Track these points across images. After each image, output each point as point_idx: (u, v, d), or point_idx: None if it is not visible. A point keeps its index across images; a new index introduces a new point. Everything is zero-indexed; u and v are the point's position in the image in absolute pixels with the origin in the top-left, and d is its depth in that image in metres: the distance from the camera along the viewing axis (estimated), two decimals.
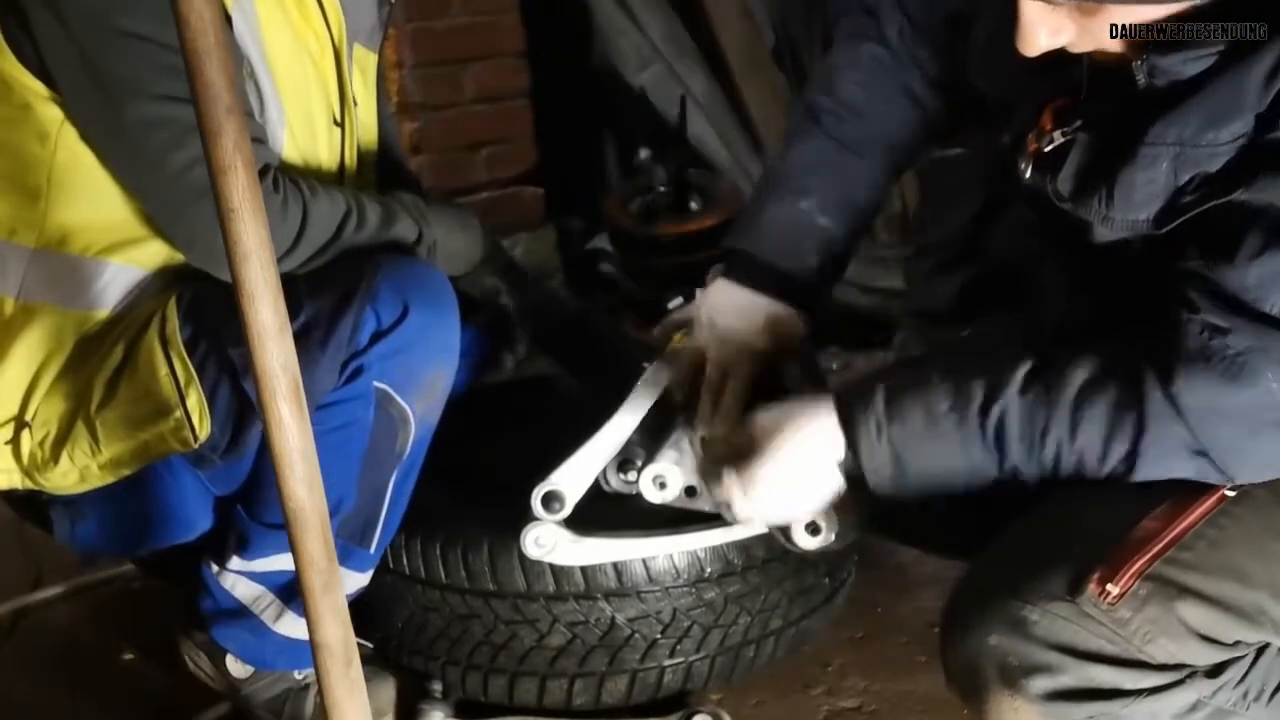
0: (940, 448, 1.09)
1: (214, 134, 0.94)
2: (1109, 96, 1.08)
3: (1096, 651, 1.01)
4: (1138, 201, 1.05)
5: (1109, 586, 1.01)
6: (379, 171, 1.66)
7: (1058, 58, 1.07)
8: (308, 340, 1.30)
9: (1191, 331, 1.01)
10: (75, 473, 1.40)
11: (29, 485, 1.45)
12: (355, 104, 1.55)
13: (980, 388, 1.08)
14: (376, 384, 1.36)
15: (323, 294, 1.33)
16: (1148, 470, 1.04)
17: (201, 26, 0.92)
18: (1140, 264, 1.11)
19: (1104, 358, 1.06)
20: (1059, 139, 1.12)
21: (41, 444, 1.40)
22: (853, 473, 1.13)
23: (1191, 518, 1.04)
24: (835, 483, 1.15)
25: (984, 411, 1.07)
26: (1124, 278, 1.13)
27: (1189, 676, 1.02)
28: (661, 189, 2.80)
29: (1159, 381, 1.01)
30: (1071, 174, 1.10)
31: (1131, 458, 1.03)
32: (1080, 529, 1.06)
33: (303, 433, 1.00)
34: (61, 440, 1.39)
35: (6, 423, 1.41)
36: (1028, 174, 1.16)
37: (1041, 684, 1.01)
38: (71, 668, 1.83)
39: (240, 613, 1.48)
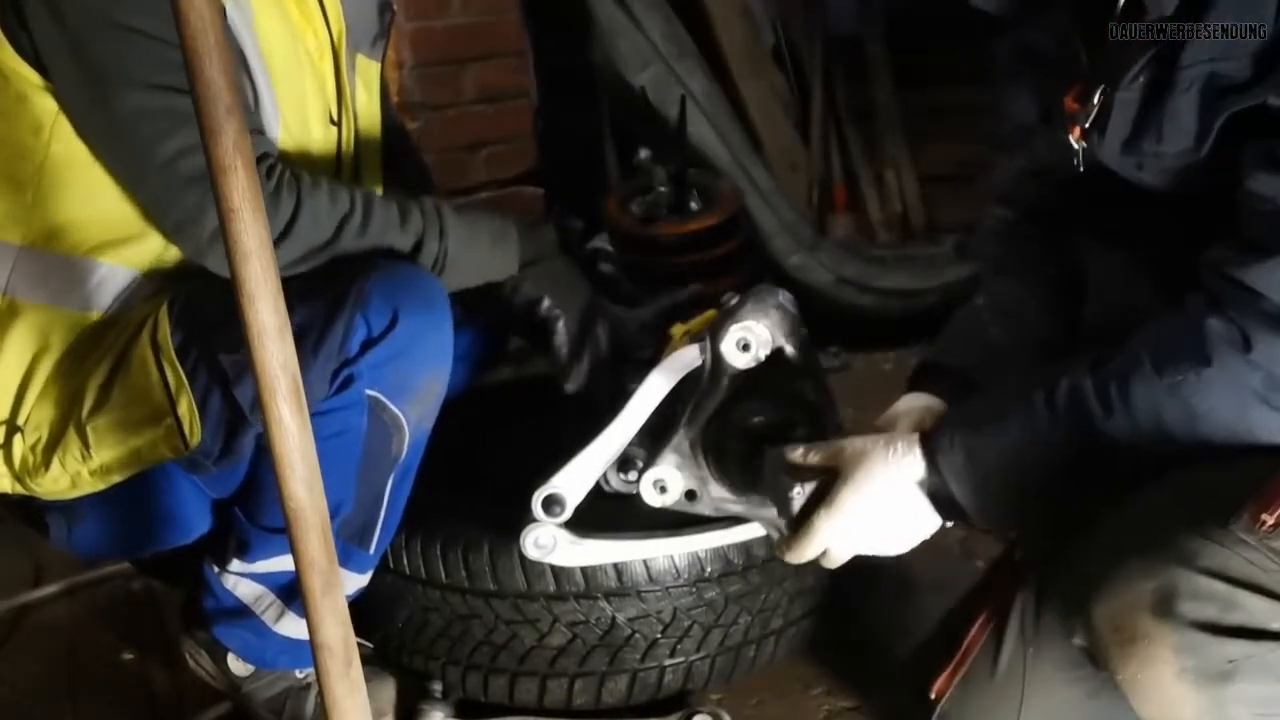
0: (1008, 434, 1.11)
1: (214, 134, 0.94)
2: (1121, 54, 1.13)
3: (1249, 579, 0.97)
4: (1185, 126, 1.09)
5: (1264, 515, 0.98)
6: (394, 175, 1.65)
7: (1051, 56, 1.15)
8: (299, 348, 1.28)
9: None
10: (66, 478, 1.39)
11: (20, 491, 1.43)
12: (354, 106, 1.55)
13: (1040, 380, 1.11)
14: (368, 392, 1.35)
15: (312, 300, 1.31)
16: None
17: (201, 26, 0.92)
18: (1184, 229, 1.14)
19: (1158, 322, 1.09)
20: (1093, 109, 1.17)
21: (33, 449, 1.39)
22: (936, 490, 1.15)
23: None
24: (921, 511, 1.17)
25: (1050, 391, 1.09)
26: (1174, 250, 1.15)
27: None
28: (661, 189, 2.79)
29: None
30: (1121, 125, 1.14)
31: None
32: (1221, 480, 1.04)
33: (303, 433, 1.00)
34: (52, 445, 1.38)
35: None
36: (1080, 161, 1.21)
37: (1186, 609, 0.97)
38: (71, 667, 1.83)
39: (242, 612, 1.48)
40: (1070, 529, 1.15)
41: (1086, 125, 1.18)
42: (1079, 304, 1.40)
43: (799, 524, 1.21)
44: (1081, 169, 1.21)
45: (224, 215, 0.95)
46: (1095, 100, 1.16)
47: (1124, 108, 1.14)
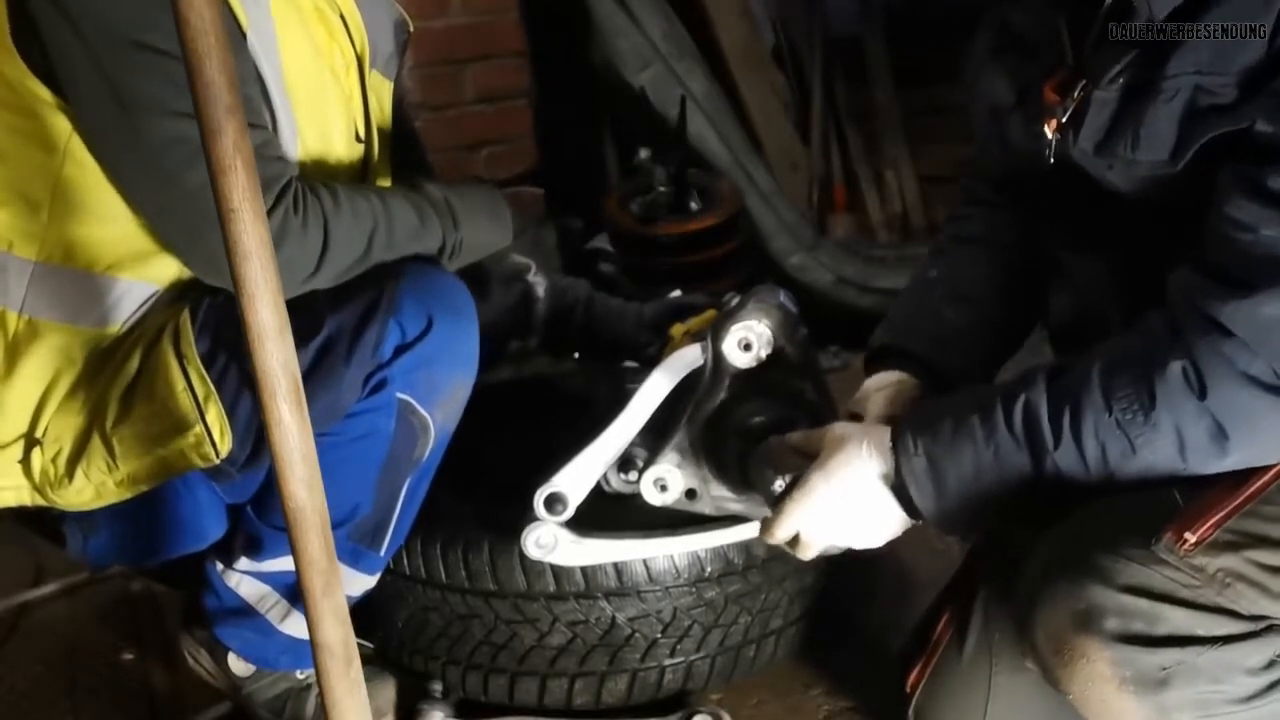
0: (969, 450, 1.11)
1: (214, 134, 0.94)
2: (1106, 52, 1.11)
3: (1170, 594, 1.02)
4: (1162, 136, 1.07)
5: (1186, 534, 1.02)
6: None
7: (1032, 38, 1.15)
8: (331, 355, 1.30)
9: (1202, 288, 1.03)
10: (91, 489, 1.38)
11: (39, 502, 1.42)
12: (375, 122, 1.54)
13: (1001, 391, 1.12)
14: (399, 395, 1.36)
15: (345, 307, 1.32)
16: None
17: (201, 26, 0.92)
18: (1153, 232, 1.14)
19: (1121, 339, 1.09)
20: (1071, 103, 1.15)
21: (54, 460, 1.37)
22: (899, 491, 1.16)
23: (1266, 477, 1.05)
24: (888, 507, 1.17)
25: (1008, 408, 1.10)
26: (1140, 254, 1.17)
27: (1267, 629, 1.02)
28: (661, 189, 2.79)
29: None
30: (1097, 125, 1.13)
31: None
32: (1146, 504, 1.07)
33: (303, 433, 1.00)
34: (76, 457, 1.36)
35: (16, 440, 1.38)
36: (1050, 153, 1.20)
37: (1113, 625, 1.02)
38: (71, 667, 1.83)
39: (245, 612, 1.48)
40: (1027, 522, 1.17)
41: (1063, 119, 1.16)
42: (1040, 287, 1.39)
43: (775, 507, 1.22)
44: (1052, 161, 1.20)
45: (224, 215, 0.95)
46: (1075, 95, 1.15)
47: (1101, 107, 1.12)
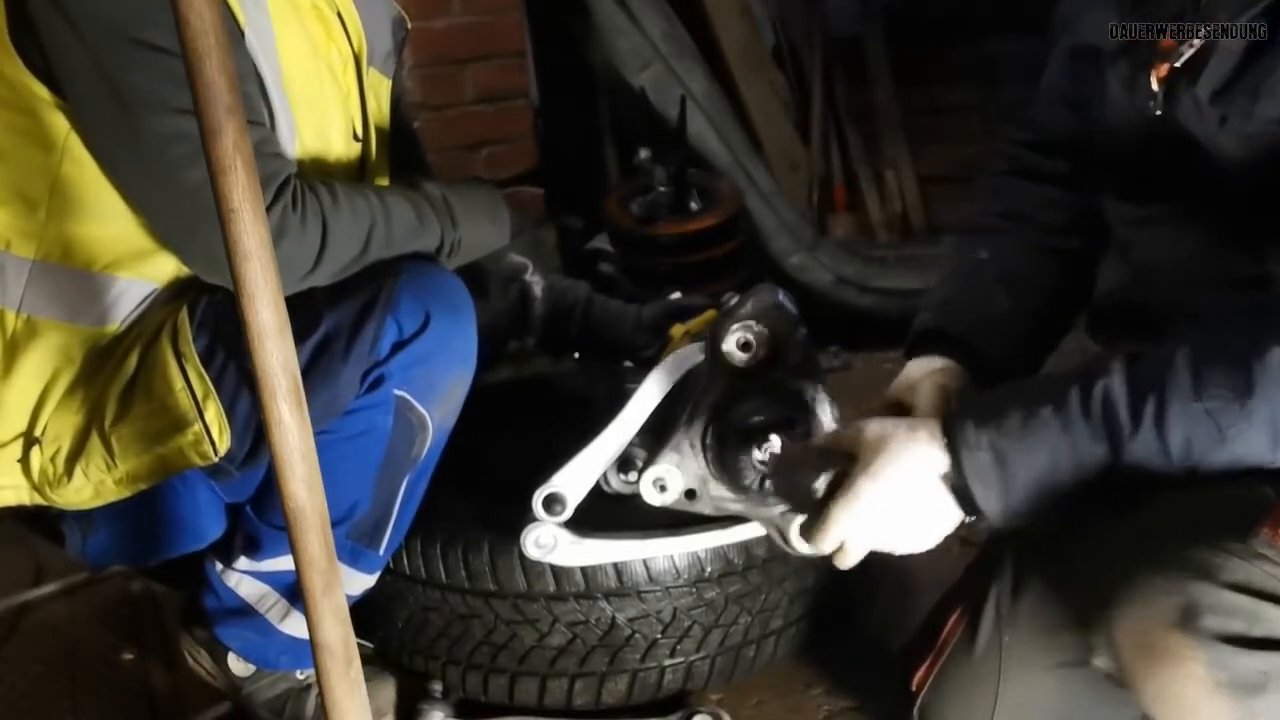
0: (1044, 441, 1.04)
1: (214, 134, 0.94)
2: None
3: (1272, 592, 0.95)
4: None
5: None
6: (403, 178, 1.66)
7: None
8: (329, 352, 1.30)
9: None
10: (90, 488, 1.38)
11: (38, 501, 1.42)
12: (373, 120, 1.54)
13: (1073, 378, 1.05)
14: (397, 392, 1.36)
15: (342, 304, 1.32)
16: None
17: (201, 27, 0.92)
18: (1234, 210, 1.10)
19: (1207, 328, 1.04)
20: (1190, 49, 1.10)
21: (53, 459, 1.37)
22: (959, 489, 1.09)
23: None
24: (944, 506, 1.10)
25: (1084, 396, 1.03)
26: (1213, 233, 1.12)
27: None
28: (661, 189, 2.80)
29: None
30: (1220, 72, 1.08)
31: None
32: (1231, 499, 1.01)
33: (303, 433, 1.00)
34: (75, 455, 1.36)
35: (15, 439, 1.38)
36: (1158, 104, 1.14)
37: (1212, 623, 0.94)
38: (71, 667, 1.83)
39: (245, 611, 1.48)
40: (1056, 523, 1.11)
41: (1178, 64, 1.10)
42: (1089, 275, 1.33)
43: (817, 513, 1.13)
44: (1158, 113, 1.13)
45: (224, 215, 0.95)
46: (1196, 40, 1.08)
47: (1226, 56, 1.06)
